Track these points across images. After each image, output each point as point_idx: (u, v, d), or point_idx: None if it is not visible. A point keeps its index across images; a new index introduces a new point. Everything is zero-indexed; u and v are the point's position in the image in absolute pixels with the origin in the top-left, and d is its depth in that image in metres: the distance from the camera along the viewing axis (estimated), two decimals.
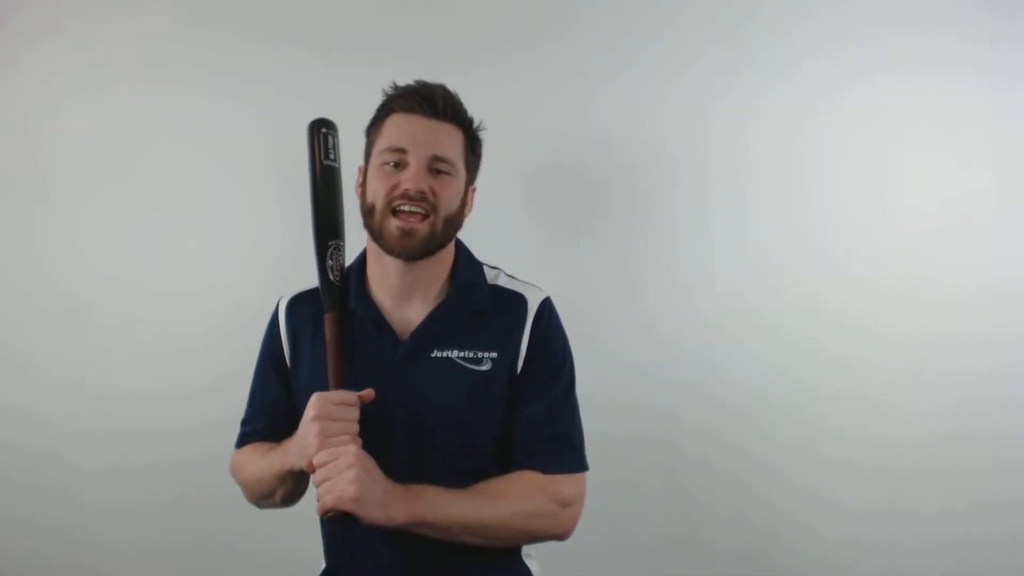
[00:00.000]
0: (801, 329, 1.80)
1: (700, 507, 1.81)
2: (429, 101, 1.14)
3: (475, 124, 1.20)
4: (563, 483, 1.13)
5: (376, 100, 1.82)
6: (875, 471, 1.80)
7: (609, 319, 1.77)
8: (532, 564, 1.25)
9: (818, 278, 1.79)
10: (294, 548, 1.77)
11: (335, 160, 1.20)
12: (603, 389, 1.71)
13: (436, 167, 1.12)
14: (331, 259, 1.16)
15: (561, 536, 1.15)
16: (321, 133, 1.20)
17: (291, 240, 1.80)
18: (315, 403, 1.04)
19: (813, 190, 1.80)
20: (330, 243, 1.17)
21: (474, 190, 1.23)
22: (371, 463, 1.02)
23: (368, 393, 1.06)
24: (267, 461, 1.16)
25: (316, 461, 1.01)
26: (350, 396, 1.05)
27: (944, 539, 1.79)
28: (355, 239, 1.24)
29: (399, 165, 1.12)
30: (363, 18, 1.79)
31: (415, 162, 1.11)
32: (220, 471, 1.76)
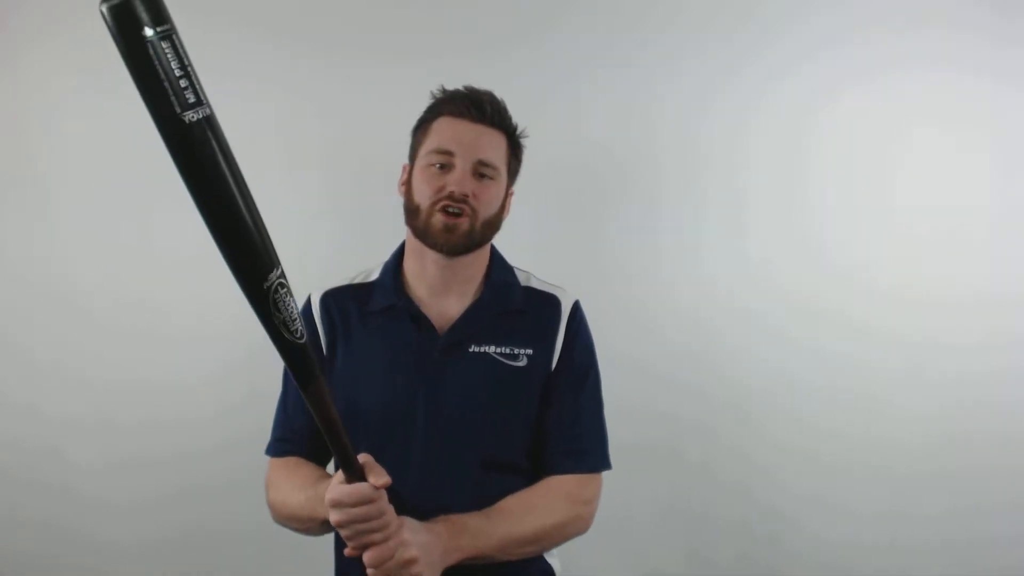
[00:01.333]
0: (801, 330, 1.80)
1: (700, 508, 1.81)
2: (477, 106, 1.17)
3: (518, 131, 1.24)
4: (587, 483, 1.18)
5: (375, 98, 1.83)
6: (876, 472, 1.80)
7: (608, 319, 1.75)
8: (554, 561, 1.26)
9: (818, 279, 1.79)
10: (296, 544, 1.77)
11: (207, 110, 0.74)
12: (603, 389, 1.72)
13: (480, 171, 1.16)
14: (278, 307, 0.79)
15: (581, 533, 1.19)
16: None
17: (291, 237, 1.80)
18: (334, 512, 0.96)
19: (813, 190, 1.80)
20: (268, 278, 0.78)
21: (512, 194, 1.26)
22: (419, 535, 1.01)
23: (385, 482, 0.96)
24: (307, 499, 1.10)
25: (370, 560, 0.97)
26: (366, 493, 0.95)
27: (945, 540, 1.79)
28: (385, 234, 1.25)
29: (445, 167, 1.15)
30: (363, 18, 1.79)
31: (461, 165, 1.14)
32: (220, 466, 1.77)
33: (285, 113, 1.79)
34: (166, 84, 0.67)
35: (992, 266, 1.79)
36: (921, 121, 1.79)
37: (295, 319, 0.79)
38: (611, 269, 1.80)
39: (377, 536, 0.97)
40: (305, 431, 1.19)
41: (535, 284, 1.25)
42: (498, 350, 1.17)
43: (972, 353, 1.78)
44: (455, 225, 1.12)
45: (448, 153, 1.15)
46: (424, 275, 1.19)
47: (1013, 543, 1.79)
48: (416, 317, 1.18)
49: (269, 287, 0.77)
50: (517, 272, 1.26)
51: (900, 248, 1.80)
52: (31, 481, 1.82)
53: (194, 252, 1.81)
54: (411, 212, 1.17)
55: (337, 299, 1.23)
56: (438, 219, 1.13)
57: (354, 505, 0.95)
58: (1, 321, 1.82)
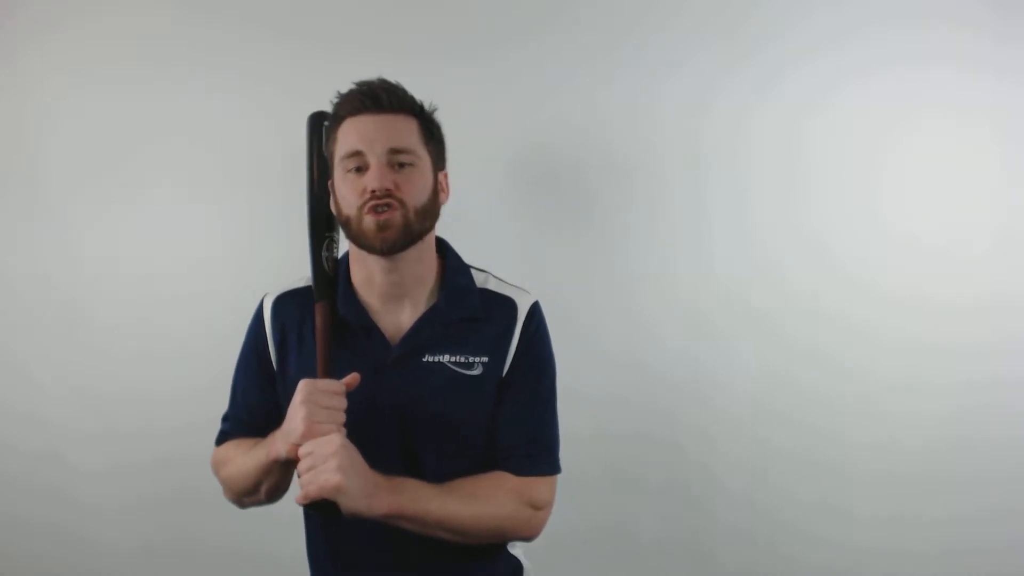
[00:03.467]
0: (801, 332, 1.78)
1: (700, 511, 1.80)
2: (372, 97, 1.14)
3: (427, 108, 1.19)
4: (536, 486, 1.15)
5: None
6: (877, 476, 1.79)
7: (607, 319, 1.76)
8: (516, 551, 1.26)
9: (818, 281, 1.78)
10: (291, 549, 1.76)
11: None
12: (601, 389, 1.71)
13: (396, 160, 1.12)
14: (326, 250, 1.19)
15: (529, 538, 1.18)
16: (323, 126, 1.20)
17: (291, 240, 1.79)
18: (302, 388, 1.05)
19: (813, 191, 1.79)
20: (326, 235, 1.20)
21: (446, 175, 1.22)
22: (355, 452, 1.03)
23: (353, 379, 1.08)
24: (253, 454, 1.14)
25: (301, 452, 1.02)
26: (337, 384, 1.06)
27: (947, 546, 1.78)
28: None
29: (361, 169, 1.12)
30: (363, 17, 1.78)
31: (374, 161, 1.11)
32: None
33: (284, 112, 1.78)
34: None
35: (995, 268, 1.78)
36: (922, 121, 1.78)
37: (333, 257, 1.21)
38: (609, 269, 1.79)
39: (322, 426, 1.02)
40: (246, 428, 1.22)
41: (492, 286, 1.22)
42: (452, 359, 1.15)
43: (974, 357, 1.77)
44: (387, 221, 1.08)
45: (358, 154, 1.11)
46: (372, 283, 1.16)
47: (1015, 549, 1.78)
48: (367, 328, 1.16)
49: (329, 236, 1.21)
50: (474, 273, 1.23)
51: (901, 249, 1.79)
52: (30, 485, 1.82)
53: (193, 254, 1.82)
54: (344, 225, 1.14)
55: (290, 303, 1.21)
56: (368, 220, 1.09)
57: (323, 390, 1.05)
58: None
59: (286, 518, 1.71)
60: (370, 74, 1.77)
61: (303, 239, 1.78)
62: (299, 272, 1.57)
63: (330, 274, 1.18)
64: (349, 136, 1.13)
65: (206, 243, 1.81)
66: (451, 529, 1.09)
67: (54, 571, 1.82)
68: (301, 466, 1.01)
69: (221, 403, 1.76)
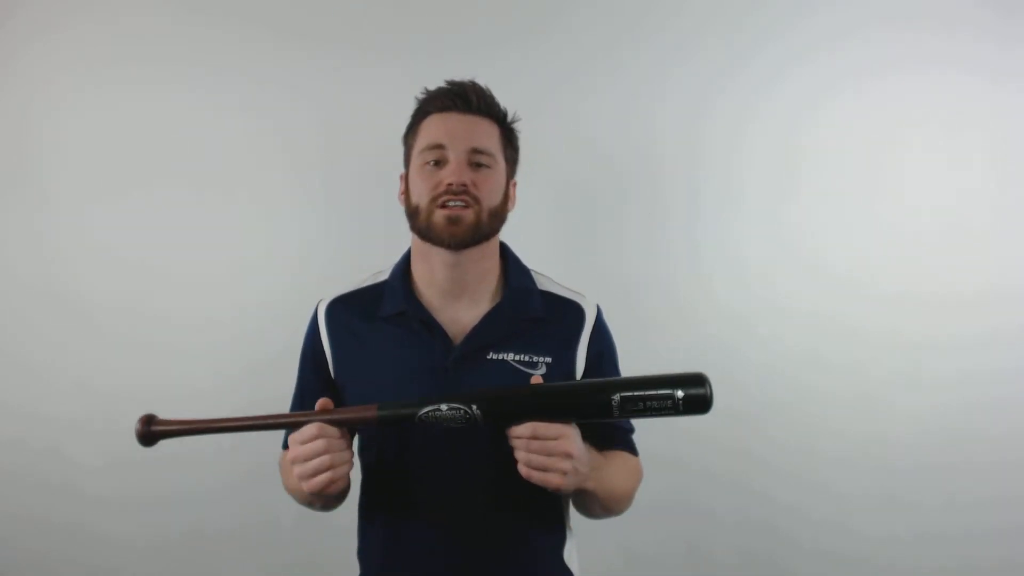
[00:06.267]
0: (800, 330, 1.79)
1: (701, 503, 1.81)
2: (463, 97, 1.15)
3: (509, 117, 1.21)
4: (640, 466, 1.23)
5: (375, 99, 1.81)
6: (876, 468, 1.80)
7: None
8: (572, 565, 1.25)
9: (816, 280, 1.79)
10: (293, 544, 1.77)
11: None
12: None
13: (476, 160, 1.13)
14: (424, 420, 1.05)
15: (620, 513, 1.21)
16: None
17: (294, 241, 1.80)
18: (286, 457, 1.05)
19: (811, 191, 1.80)
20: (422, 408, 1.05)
21: (515, 184, 1.23)
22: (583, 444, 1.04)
23: (326, 402, 1.05)
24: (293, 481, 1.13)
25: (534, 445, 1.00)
26: (310, 431, 1.02)
27: (943, 534, 1.80)
28: (386, 234, 1.24)
29: (439, 163, 1.13)
30: (363, 17, 1.79)
31: (455, 157, 1.12)
32: (220, 468, 1.78)
33: (284, 112, 1.79)
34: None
35: (990, 266, 1.79)
36: (920, 121, 1.79)
37: (422, 414, 1.03)
38: (607, 270, 1.79)
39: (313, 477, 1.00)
40: None
41: (554, 289, 1.23)
42: (516, 357, 1.15)
43: (971, 353, 1.79)
44: (459, 216, 1.09)
45: (440, 147, 1.12)
46: (433, 279, 1.16)
47: (1009, 537, 1.80)
48: (428, 324, 1.15)
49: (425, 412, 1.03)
50: (534, 276, 1.24)
51: (899, 247, 1.80)
52: (34, 481, 1.82)
53: (195, 254, 1.82)
54: (412, 215, 1.15)
55: (345, 307, 1.21)
56: (439, 215, 1.10)
57: (296, 441, 1.02)
58: (3, 322, 1.82)
59: (285, 515, 1.72)
60: (370, 74, 1.79)
61: (304, 237, 1.81)
62: (303, 274, 1.58)
63: (414, 420, 1.07)
64: (433, 130, 1.14)
65: (208, 241, 1.81)
66: (605, 507, 1.14)
67: (57, 565, 1.83)
68: (528, 453, 0.99)
69: (223, 401, 1.77)
